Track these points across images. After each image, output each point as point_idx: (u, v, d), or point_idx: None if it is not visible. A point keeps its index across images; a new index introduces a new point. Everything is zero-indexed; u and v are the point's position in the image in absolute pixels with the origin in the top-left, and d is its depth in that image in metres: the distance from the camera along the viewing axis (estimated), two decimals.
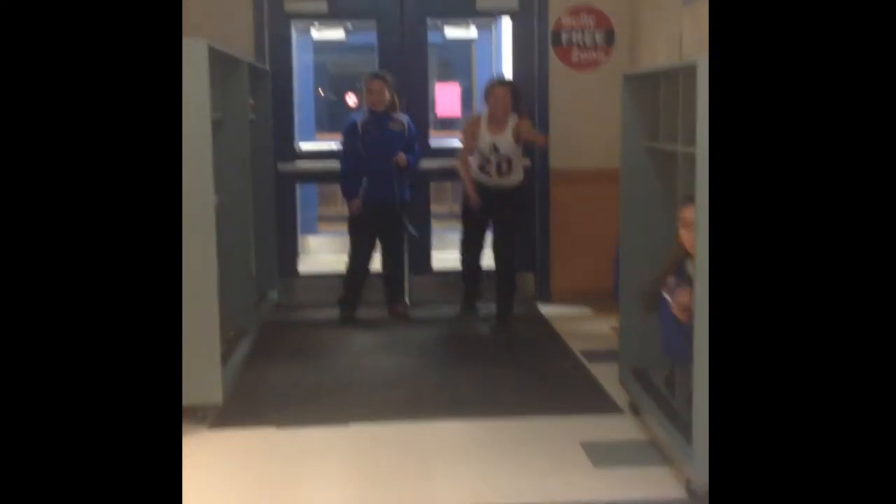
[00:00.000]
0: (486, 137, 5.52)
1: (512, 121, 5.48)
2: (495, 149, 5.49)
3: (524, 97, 5.68)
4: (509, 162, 5.52)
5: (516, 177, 5.59)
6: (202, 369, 3.87)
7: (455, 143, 6.29)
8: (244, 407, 4.17)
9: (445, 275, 6.32)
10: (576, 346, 5.20)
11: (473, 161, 5.62)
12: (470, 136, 5.63)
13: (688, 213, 3.33)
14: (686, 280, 3.43)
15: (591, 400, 4.25)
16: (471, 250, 5.83)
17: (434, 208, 6.63)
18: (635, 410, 3.96)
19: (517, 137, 5.47)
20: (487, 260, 5.88)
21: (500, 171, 5.53)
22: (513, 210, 5.64)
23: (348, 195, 5.74)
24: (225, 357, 4.03)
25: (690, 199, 3.30)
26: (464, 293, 5.95)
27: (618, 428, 3.89)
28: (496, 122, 5.50)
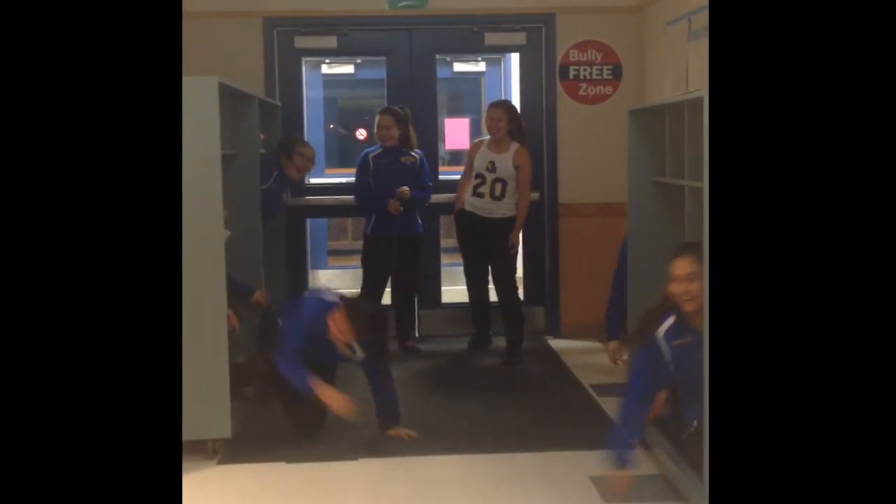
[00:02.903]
0: (485, 155, 5.60)
1: (514, 148, 5.57)
2: (492, 167, 5.55)
3: (522, 121, 5.75)
4: (503, 186, 5.54)
5: (507, 206, 5.61)
6: (211, 403, 3.88)
7: None
8: (254, 441, 4.16)
9: (455, 308, 6.32)
10: (585, 380, 5.18)
11: (469, 186, 5.68)
12: (470, 162, 5.72)
13: (677, 268, 3.32)
14: (678, 332, 3.37)
15: (602, 434, 4.21)
16: (474, 284, 5.83)
17: (444, 242, 6.65)
18: (646, 445, 3.94)
19: (515, 165, 5.55)
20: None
21: (493, 194, 5.56)
22: (504, 243, 5.65)
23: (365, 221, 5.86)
24: (234, 391, 4.03)
25: (682, 250, 3.33)
26: (474, 327, 5.97)
27: None
28: (496, 144, 5.60)
